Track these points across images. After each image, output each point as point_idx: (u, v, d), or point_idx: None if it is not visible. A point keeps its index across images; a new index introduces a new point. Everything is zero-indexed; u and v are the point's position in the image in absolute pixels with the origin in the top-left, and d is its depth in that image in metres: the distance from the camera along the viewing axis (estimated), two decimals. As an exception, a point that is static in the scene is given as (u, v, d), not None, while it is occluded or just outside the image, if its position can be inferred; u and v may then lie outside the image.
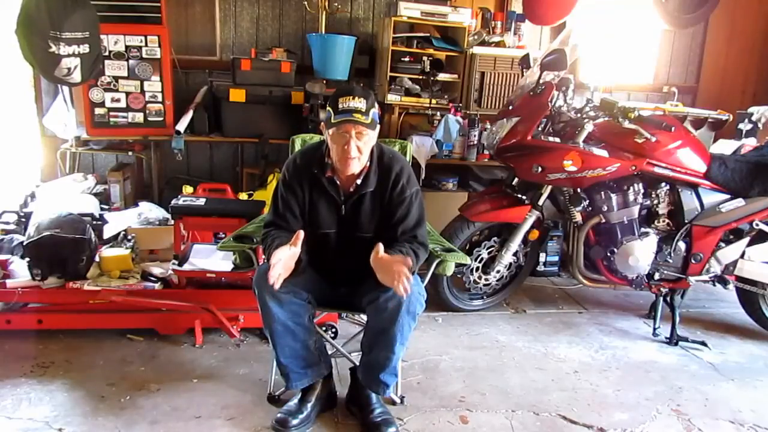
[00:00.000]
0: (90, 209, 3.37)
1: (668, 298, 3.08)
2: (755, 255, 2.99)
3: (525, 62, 3.18)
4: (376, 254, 1.92)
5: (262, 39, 4.32)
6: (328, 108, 2.05)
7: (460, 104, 3.98)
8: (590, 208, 2.99)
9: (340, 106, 1.98)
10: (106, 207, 3.68)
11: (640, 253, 2.94)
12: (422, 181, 3.74)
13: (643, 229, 3.00)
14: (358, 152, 2.02)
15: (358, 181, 2.11)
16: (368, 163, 2.12)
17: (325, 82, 3.83)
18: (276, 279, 1.85)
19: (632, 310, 3.39)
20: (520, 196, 3.03)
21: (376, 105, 2.08)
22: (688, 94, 5.00)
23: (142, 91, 3.69)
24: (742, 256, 3.00)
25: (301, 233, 1.96)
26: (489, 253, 3.12)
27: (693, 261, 3.01)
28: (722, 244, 3.01)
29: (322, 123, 2.10)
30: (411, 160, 2.69)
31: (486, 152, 3.81)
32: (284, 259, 1.89)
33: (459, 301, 3.18)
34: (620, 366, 2.73)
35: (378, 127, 2.08)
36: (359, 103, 1.98)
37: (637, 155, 2.87)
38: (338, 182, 2.13)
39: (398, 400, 2.28)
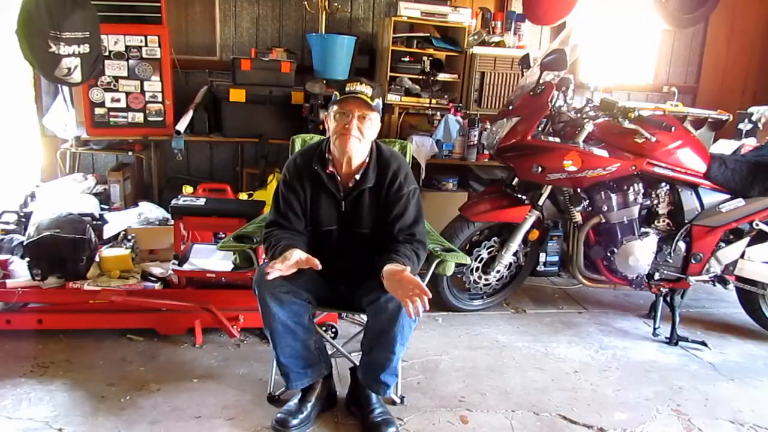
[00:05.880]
0: (90, 209, 3.36)
1: (668, 298, 3.08)
2: (755, 255, 2.99)
3: (525, 62, 3.18)
4: (391, 274, 1.90)
5: (262, 39, 4.32)
6: (334, 93, 2.10)
7: (460, 104, 3.98)
8: (590, 208, 2.99)
9: (347, 88, 2.05)
10: (106, 207, 3.68)
11: (640, 253, 2.94)
12: (422, 181, 3.75)
13: (643, 229, 3.00)
14: (359, 133, 2.04)
15: (357, 177, 2.13)
16: (367, 159, 2.13)
17: (325, 82, 3.83)
18: (273, 271, 1.87)
19: (632, 310, 3.39)
20: (520, 196, 3.03)
21: (381, 98, 2.11)
22: (688, 94, 5.01)
23: (142, 91, 3.69)
24: (742, 256, 3.00)
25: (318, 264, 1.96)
26: (489, 253, 3.12)
27: (693, 261, 3.01)
28: (722, 244, 3.01)
29: (324, 114, 2.13)
30: (411, 160, 2.69)
31: (486, 152, 3.81)
32: (293, 262, 1.91)
33: (459, 301, 3.18)
34: (620, 366, 2.73)
35: (380, 119, 2.11)
36: (366, 89, 2.04)
37: (637, 155, 2.87)
38: (338, 178, 2.14)
39: (398, 400, 2.28)
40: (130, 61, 3.62)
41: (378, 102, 2.07)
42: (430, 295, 1.82)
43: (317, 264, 1.94)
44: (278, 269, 1.89)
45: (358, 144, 2.06)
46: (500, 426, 2.21)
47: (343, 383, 2.33)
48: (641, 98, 4.87)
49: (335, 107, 2.06)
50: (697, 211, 2.97)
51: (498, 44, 4.03)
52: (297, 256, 1.93)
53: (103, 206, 3.64)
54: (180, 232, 2.96)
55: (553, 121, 2.98)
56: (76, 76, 3.22)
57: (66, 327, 2.64)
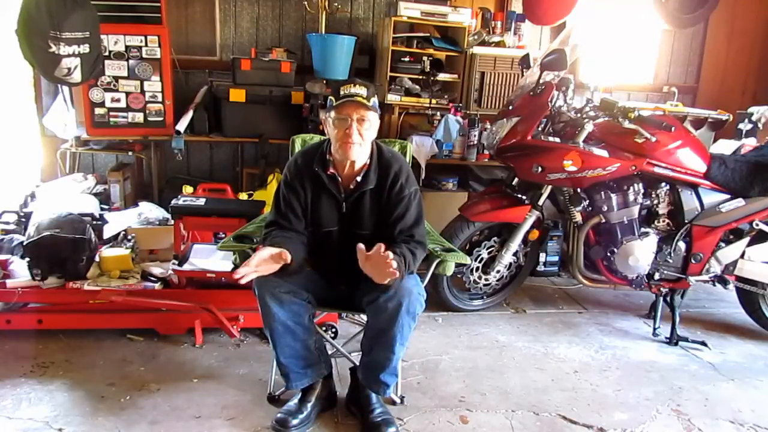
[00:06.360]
0: (90, 209, 3.37)
1: (668, 298, 3.08)
2: (755, 255, 2.99)
3: (525, 62, 3.18)
4: (363, 259, 1.89)
5: (262, 39, 4.32)
6: (330, 98, 2.09)
7: (460, 104, 3.97)
8: (590, 208, 2.99)
9: (342, 92, 2.04)
10: (106, 207, 3.68)
11: (640, 253, 2.94)
12: (422, 181, 3.75)
13: (643, 229, 3.00)
14: (360, 137, 2.04)
15: (359, 179, 2.13)
16: (368, 161, 2.13)
17: (325, 82, 3.83)
18: (244, 276, 1.87)
19: (632, 310, 3.39)
20: (520, 196, 3.03)
21: (377, 96, 2.10)
22: (688, 94, 5.01)
23: (142, 91, 3.69)
24: (742, 256, 3.00)
25: (289, 256, 1.96)
26: (489, 253, 3.12)
27: (693, 261, 3.01)
28: (722, 244, 3.01)
29: (323, 117, 2.12)
30: (411, 160, 2.69)
31: (486, 152, 3.81)
32: (258, 259, 1.91)
33: (459, 301, 3.18)
34: (620, 366, 2.73)
35: (379, 116, 2.10)
36: (360, 90, 2.03)
37: (637, 155, 2.87)
38: (339, 179, 2.14)
39: (398, 400, 2.28)
40: (130, 61, 3.63)
41: (374, 101, 2.06)
42: (389, 258, 1.82)
43: (288, 257, 1.94)
44: (248, 272, 1.88)
45: (359, 149, 2.06)
46: (500, 426, 2.21)
47: (343, 383, 2.33)
48: (641, 98, 4.87)
49: (332, 113, 2.05)
50: (697, 211, 2.97)
51: (498, 44, 4.03)
52: (261, 255, 1.93)
53: (103, 206, 3.64)
54: (180, 232, 2.96)
55: (553, 121, 2.98)
56: (76, 76, 3.22)
57: (66, 327, 2.64)
